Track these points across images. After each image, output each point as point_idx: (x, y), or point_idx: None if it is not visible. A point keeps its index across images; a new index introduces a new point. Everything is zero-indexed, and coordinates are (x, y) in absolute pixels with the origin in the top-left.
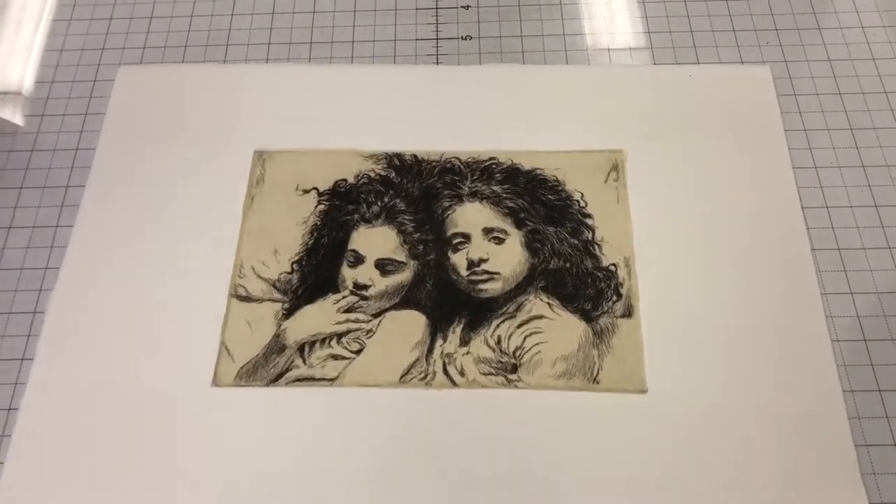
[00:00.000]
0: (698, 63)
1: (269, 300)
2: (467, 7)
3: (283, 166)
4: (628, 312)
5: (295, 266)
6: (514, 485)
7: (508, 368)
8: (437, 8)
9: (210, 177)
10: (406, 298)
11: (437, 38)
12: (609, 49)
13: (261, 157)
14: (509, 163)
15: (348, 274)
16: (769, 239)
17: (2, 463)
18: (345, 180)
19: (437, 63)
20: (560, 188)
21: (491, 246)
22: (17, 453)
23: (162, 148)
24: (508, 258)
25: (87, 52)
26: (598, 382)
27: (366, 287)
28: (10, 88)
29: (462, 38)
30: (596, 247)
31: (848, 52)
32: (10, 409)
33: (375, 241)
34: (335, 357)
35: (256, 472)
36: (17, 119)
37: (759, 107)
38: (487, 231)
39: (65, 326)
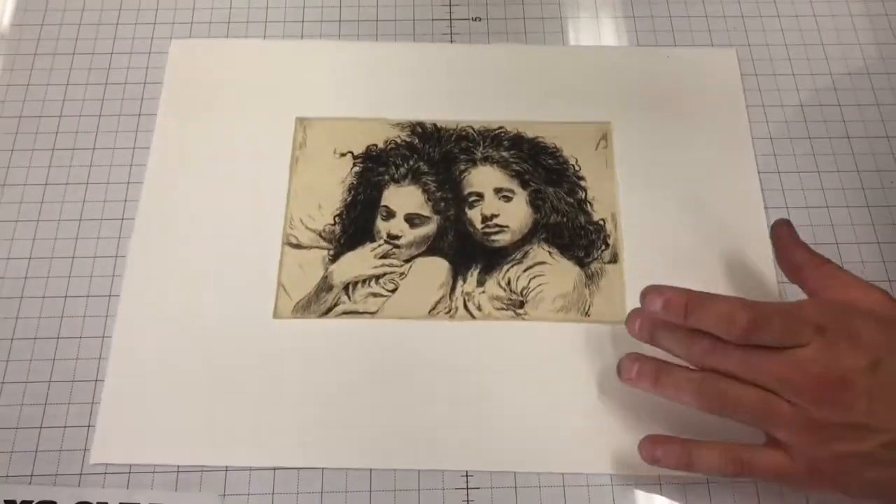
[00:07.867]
0: (675, 45)
1: (316, 247)
2: None
3: (321, 132)
4: (614, 259)
5: (337, 219)
6: (523, 392)
7: (517, 304)
8: None
9: (260, 141)
10: (431, 247)
11: (450, 19)
12: (599, 31)
13: (302, 123)
14: (515, 131)
15: (382, 226)
16: (727, 196)
17: (102, 381)
18: (375, 145)
19: (452, 42)
20: (558, 154)
21: (501, 203)
22: (115, 372)
23: (215, 115)
24: (515, 214)
25: (140, 25)
26: (589, 315)
27: (397, 237)
28: None
29: (473, 18)
30: (588, 205)
31: (801, 38)
32: (103, 337)
33: (404, 198)
34: (375, 295)
35: (308, 389)
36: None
37: (726, 85)
38: (497, 191)
39: (144, 271)
